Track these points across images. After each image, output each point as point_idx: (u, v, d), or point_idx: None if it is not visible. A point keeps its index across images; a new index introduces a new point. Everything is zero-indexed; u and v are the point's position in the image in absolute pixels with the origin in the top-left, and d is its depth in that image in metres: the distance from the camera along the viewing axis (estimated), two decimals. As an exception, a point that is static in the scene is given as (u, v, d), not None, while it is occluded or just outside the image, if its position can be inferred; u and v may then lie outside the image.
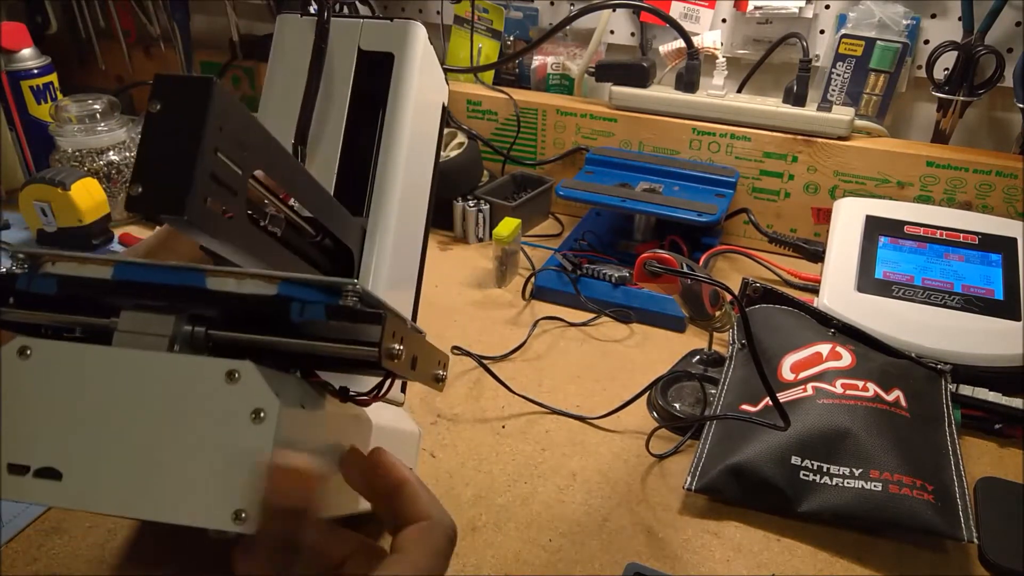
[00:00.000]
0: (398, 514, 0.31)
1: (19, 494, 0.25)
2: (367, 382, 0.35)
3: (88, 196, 0.84)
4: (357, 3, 1.02)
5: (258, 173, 0.28)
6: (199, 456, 0.25)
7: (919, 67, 0.90)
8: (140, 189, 0.24)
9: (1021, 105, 0.81)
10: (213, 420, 0.25)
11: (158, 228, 0.46)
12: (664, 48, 0.94)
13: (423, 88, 0.43)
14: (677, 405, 0.63)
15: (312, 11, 0.42)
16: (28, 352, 0.26)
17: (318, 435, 0.30)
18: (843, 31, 0.90)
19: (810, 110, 0.86)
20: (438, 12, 1.10)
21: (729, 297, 0.58)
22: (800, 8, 0.92)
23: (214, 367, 0.26)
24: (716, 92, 0.90)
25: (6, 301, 0.28)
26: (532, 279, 0.81)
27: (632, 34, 1.02)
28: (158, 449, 0.25)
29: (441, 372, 0.36)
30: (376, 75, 0.42)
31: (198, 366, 0.26)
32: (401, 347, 0.28)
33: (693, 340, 0.74)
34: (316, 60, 0.40)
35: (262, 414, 0.25)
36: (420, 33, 0.42)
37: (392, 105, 0.41)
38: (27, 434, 0.26)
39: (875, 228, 0.76)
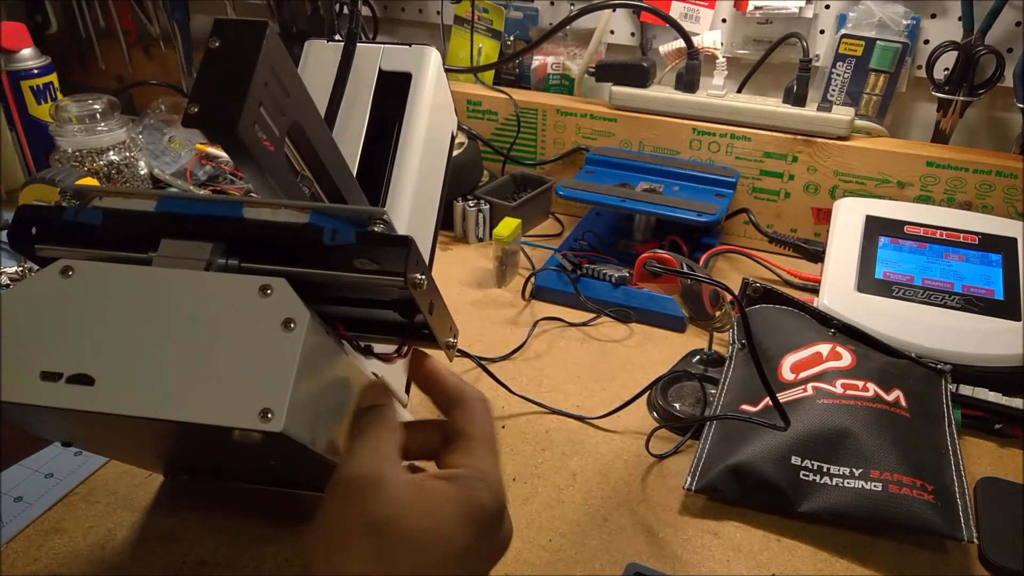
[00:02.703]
0: (439, 401, 0.39)
1: (50, 398, 0.26)
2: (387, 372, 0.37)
3: (88, 196, 0.84)
4: (358, 3, 1.02)
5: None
6: (230, 361, 0.26)
7: (919, 67, 0.90)
8: (197, 109, 0.26)
9: (1021, 105, 0.81)
10: (245, 330, 0.26)
11: None
12: (664, 48, 0.94)
13: (436, 106, 0.46)
14: (677, 405, 0.63)
15: (338, 38, 0.46)
16: (70, 272, 0.27)
17: (339, 371, 0.31)
18: (843, 31, 0.90)
19: (810, 110, 0.86)
20: (438, 12, 1.10)
21: (729, 297, 0.58)
22: (800, 8, 0.92)
23: (248, 283, 0.27)
24: (716, 92, 0.90)
25: (52, 233, 0.29)
26: (532, 279, 0.81)
27: (632, 34, 1.02)
28: (190, 356, 0.26)
29: (452, 339, 0.37)
30: (394, 96, 0.45)
31: (232, 282, 0.27)
32: (424, 277, 0.29)
33: (693, 340, 0.74)
34: (339, 83, 0.44)
35: (292, 324, 0.26)
36: (435, 55, 0.47)
37: (408, 117, 0.45)
38: (63, 345, 0.26)
39: (875, 228, 0.76)
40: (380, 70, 0.46)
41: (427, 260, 0.48)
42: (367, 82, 0.45)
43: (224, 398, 0.26)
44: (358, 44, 0.45)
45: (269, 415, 0.25)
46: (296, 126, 0.30)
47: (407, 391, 0.46)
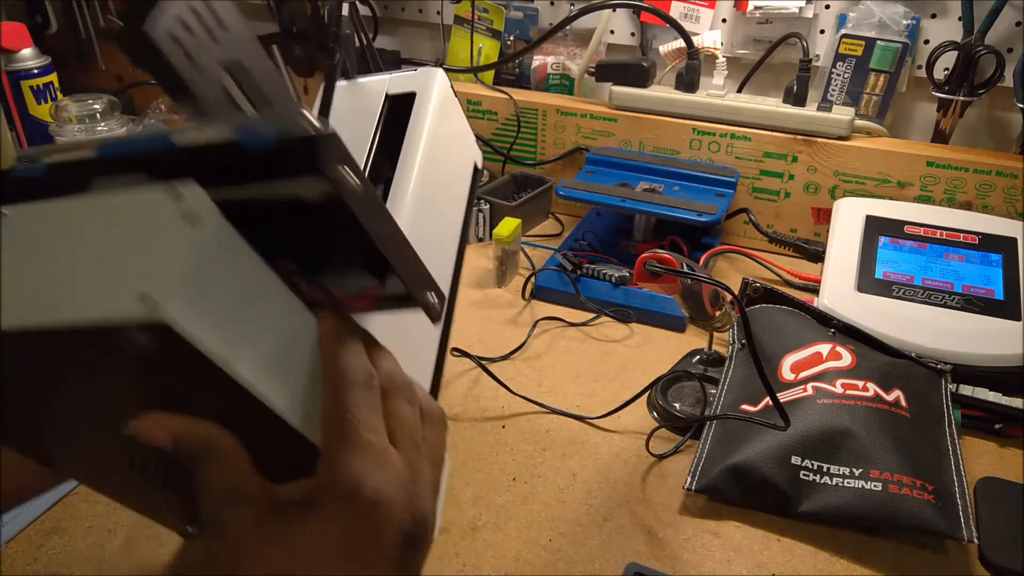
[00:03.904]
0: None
1: None
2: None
3: (88, 196, 0.84)
4: (357, 3, 1.02)
5: None
6: (126, 265, 0.24)
7: (919, 67, 0.90)
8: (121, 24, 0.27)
9: (1021, 105, 0.81)
10: (149, 235, 0.24)
11: None
12: (664, 48, 0.94)
13: (442, 123, 0.45)
14: (677, 405, 0.63)
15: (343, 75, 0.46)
16: (3, 215, 0.27)
17: (277, 301, 0.28)
18: (843, 31, 0.90)
19: (810, 110, 0.85)
20: (438, 12, 1.10)
21: (729, 297, 0.58)
22: (800, 8, 0.92)
23: (157, 190, 0.25)
24: (716, 92, 0.90)
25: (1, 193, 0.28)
26: (532, 279, 0.81)
27: (632, 34, 1.02)
28: (89, 267, 0.24)
29: (433, 298, 0.33)
30: (403, 118, 0.44)
31: (142, 192, 0.25)
32: (358, 182, 0.26)
33: (693, 340, 0.74)
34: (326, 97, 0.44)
35: (196, 219, 0.24)
36: (440, 75, 0.46)
37: (409, 130, 0.43)
38: None
39: (875, 228, 0.76)
40: (388, 95, 0.45)
41: (446, 293, 0.44)
42: (374, 108, 0.45)
43: (105, 296, 0.23)
44: (369, 77, 0.45)
45: (149, 298, 0.22)
46: (238, 65, 0.30)
47: (436, 394, 0.43)
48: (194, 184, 0.25)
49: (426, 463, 0.31)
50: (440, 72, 0.46)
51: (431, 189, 0.44)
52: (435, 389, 0.43)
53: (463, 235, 0.48)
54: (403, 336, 0.36)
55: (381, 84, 0.46)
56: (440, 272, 0.45)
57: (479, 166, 0.50)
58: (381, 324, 0.33)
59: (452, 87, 0.47)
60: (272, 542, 0.27)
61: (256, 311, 0.27)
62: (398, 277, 0.30)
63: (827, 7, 0.92)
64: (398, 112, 0.45)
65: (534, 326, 0.75)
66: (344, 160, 0.26)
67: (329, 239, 0.28)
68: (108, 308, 0.23)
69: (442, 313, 0.33)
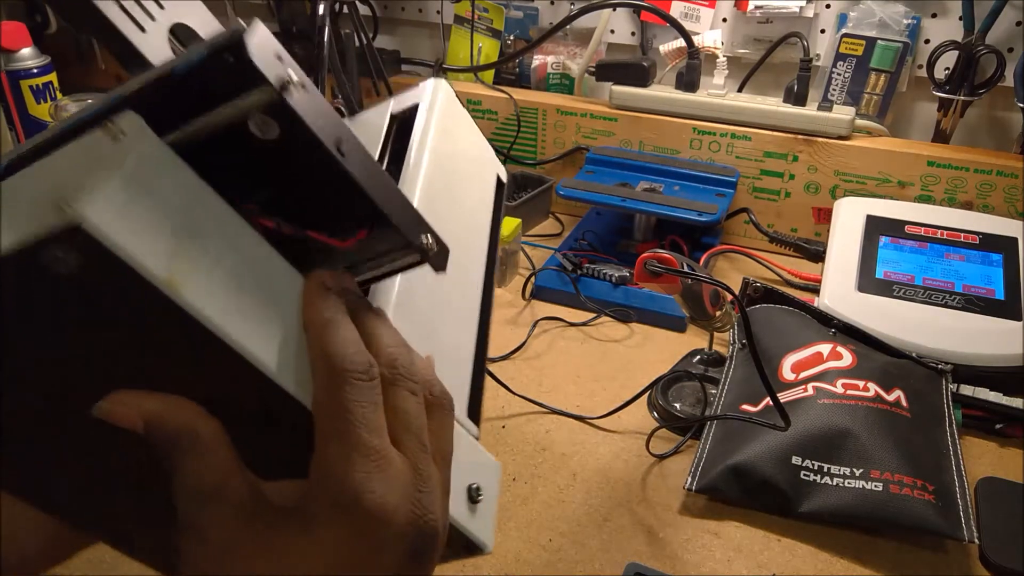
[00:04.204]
0: None
1: None
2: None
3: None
4: (357, 3, 1.02)
5: None
6: (48, 190, 0.22)
7: (920, 66, 0.90)
8: None
9: (1022, 105, 0.81)
10: (77, 165, 0.23)
11: None
12: (664, 47, 0.94)
13: (447, 133, 0.42)
14: (677, 405, 0.63)
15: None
16: None
17: (230, 230, 0.25)
18: (844, 30, 0.90)
19: (811, 110, 0.85)
20: (438, 12, 1.10)
21: (730, 297, 0.58)
22: (801, 7, 0.91)
23: (95, 130, 0.23)
24: (716, 91, 0.90)
25: None
26: (532, 279, 0.81)
27: (632, 33, 1.02)
28: (25, 195, 0.23)
29: (426, 238, 0.28)
30: (407, 134, 0.42)
31: (82, 138, 0.24)
32: (299, 80, 0.24)
33: (693, 340, 0.74)
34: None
35: (121, 134, 0.23)
36: (442, 85, 0.44)
37: (410, 147, 0.41)
38: None
39: (876, 228, 0.76)
40: (392, 115, 0.43)
41: (476, 315, 0.40)
42: (379, 132, 0.42)
43: (21, 216, 0.21)
44: (371, 108, 0.43)
45: (68, 205, 0.20)
46: (183, 27, 0.29)
47: (477, 422, 0.39)
48: (128, 112, 0.23)
49: (433, 464, 0.27)
50: (440, 82, 0.44)
51: (442, 205, 0.40)
52: (475, 413, 0.40)
53: (491, 255, 0.44)
54: (430, 344, 0.33)
55: (383, 107, 0.44)
56: (467, 295, 0.40)
57: (503, 179, 0.47)
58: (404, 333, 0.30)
59: (457, 96, 0.44)
60: (257, 553, 0.24)
61: (207, 239, 0.24)
62: (379, 210, 0.26)
63: (827, 6, 0.92)
64: (406, 131, 0.42)
65: (534, 326, 0.75)
66: (280, 56, 0.24)
67: (291, 168, 0.26)
68: (21, 227, 0.21)
69: (445, 263, 0.30)
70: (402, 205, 0.28)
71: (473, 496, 0.33)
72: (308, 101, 0.24)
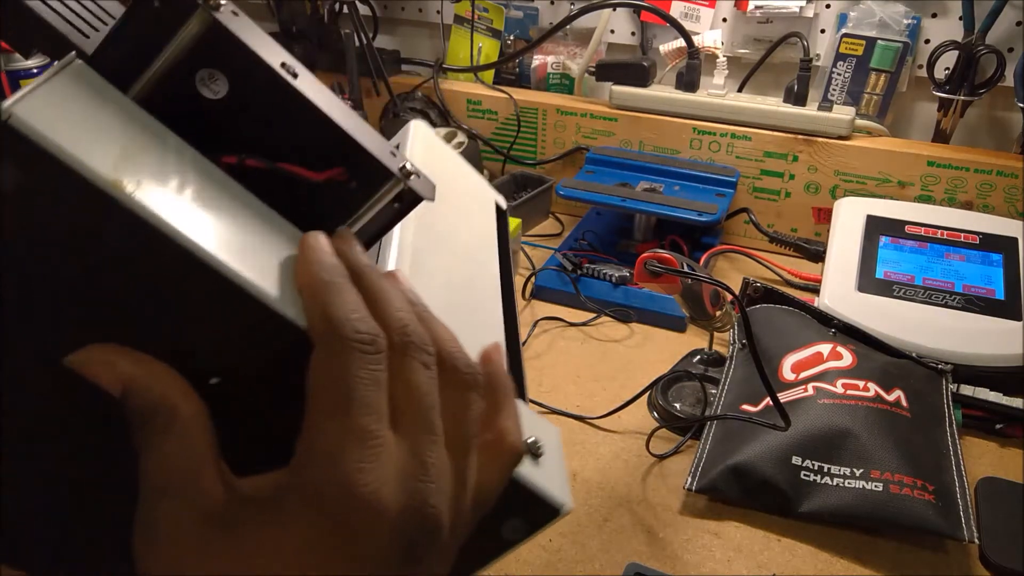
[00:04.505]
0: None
1: None
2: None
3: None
4: (357, 3, 1.02)
5: None
6: None
7: (920, 66, 0.90)
8: None
9: (1022, 104, 0.81)
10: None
11: None
12: (664, 47, 0.94)
13: (432, 173, 0.40)
14: (677, 405, 0.63)
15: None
16: None
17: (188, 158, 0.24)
18: (844, 30, 0.90)
19: (811, 109, 0.85)
20: (438, 11, 1.10)
21: (730, 297, 0.58)
22: (801, 7, 0.91)
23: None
24: (716, 91, 0.90)
25: None
26: (532, 279, 0.81)
27: (632, 33, 1.02)
28: None
29: (403, 163, 0.26)
30: None
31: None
32: (231, 7, 0.24)
33: (694, 340, 0.73)
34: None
35: (63, 68, 0.22)
36: (420, 127, 0.42)
37: None
38: None
39: (876, 228, 0.76)
40: None
41: (504, 353, 0.36)
42: None
43: None
44: None
45: (5, 116, 0.19)
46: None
47: (524, 398, 0.35)
48: (71, 55, 0.23)
49: (442, 449, 0.24)
50: (418, 124, 0.42)
51: (444, 246, 0.38)
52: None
53: (508, 287, 0.41)
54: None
55: None
56: (484, 334, 0.37)
57: (503, 206, 0.45)
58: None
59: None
60: (221, 554, 0.21)
61: (163, 159, 0.22)
62: (344, 133, 0.25)
63: (827, 6, 0.92)
64: None
65: (534, 326, 0.75)
66: None
67: (249, 115, 0.24)
68: None
69: (432, 191, 0.28)
70: (368, 132, 0.26)
71: (533, 450, 0.29)
72: (243, 24, 0.24)
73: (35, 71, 0.95)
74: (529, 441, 0.29)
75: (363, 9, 1.03)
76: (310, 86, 0.25)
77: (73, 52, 0.23)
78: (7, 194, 0.20)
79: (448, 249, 0.38)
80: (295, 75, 0.25)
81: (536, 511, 0.28)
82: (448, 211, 0.40)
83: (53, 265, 0.21)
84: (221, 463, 0.23)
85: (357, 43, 0.97)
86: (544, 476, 0.28)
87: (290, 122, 0.25)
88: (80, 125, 0.21)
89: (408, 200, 0.27)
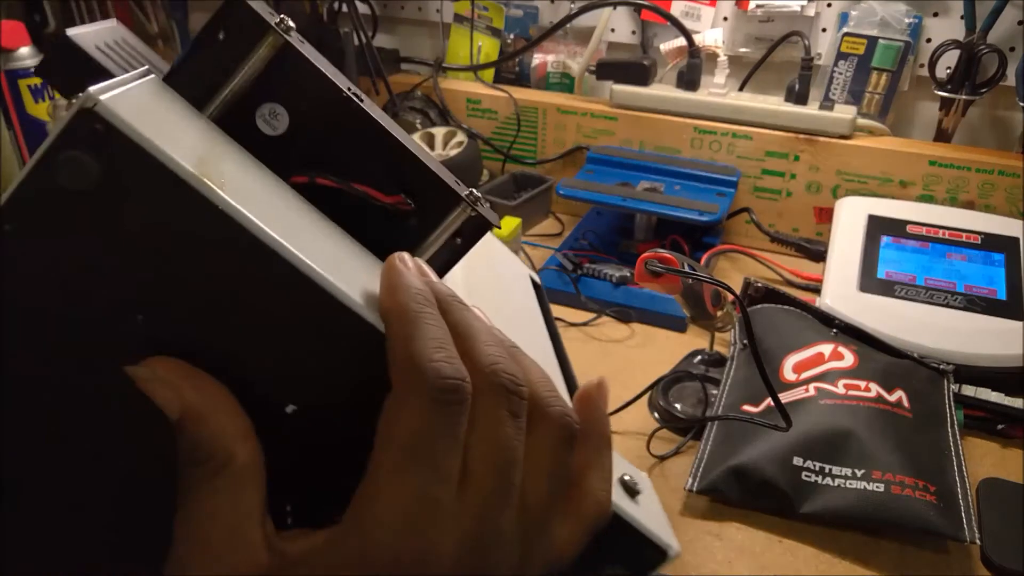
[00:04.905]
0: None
1: None
2: None
3: (87, 195, 0.83)
4: (356, 1, 1.02)
5: None
6: None
7: (921, 66, 0.89)
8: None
9: (1023, 104, 0.80)
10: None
11: None
12: (665, 46, 0.94)
13: (467, 265, 0.40)
14: (678, 405, 0.63)
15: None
16: None
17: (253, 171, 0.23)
18: (845, 29, 0.89)
19: (812, 109, 0.85)
20: (438, 10, 1.10)
21: (731, 297, 0.57)
22: (802, 6, 0.91)
23: None
24: (717, 91, 0.89)
25: None
26: (532, 278, 0.80)
27: (633, 32, 1.02)
28: None
29: (477, 197, 0.26)
30: None
31: None
32: (298, 36, 0.24)
33: (694, 340, 0.73)
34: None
35: (139, 79, 0.22)
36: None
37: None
38: None
39: (877, 227, 0.76)
40: None
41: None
42: None
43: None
44: None
45: (92, 104, 0.19)
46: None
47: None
48: (145, 70, 0.23)
49: (514, 508, 0.21)
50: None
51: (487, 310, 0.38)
52: None
53: (563, 359, 0.41)
54: None
55: None
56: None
57: (537, 281, 0.44)
58: None
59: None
60: None
61: (241, 168, 0.22)
62: (412, 155, 0.25)
63: (829, 5, 0.92)
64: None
65: (534, 326, 0.75)
66: (272, 12, 0.24)
67: (314, 139, 0.24)
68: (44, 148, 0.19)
69: (497, 218, 0.27)
70: (433, 159, 0.26)
71: (630, 488, 0.27)
72: (309, 50, 0.24)
73: (33, 70, 0.95)
74: (625, 479, 0.28)
75: (362, 8, 1.03)
76: (375, 111, 0.25)
77: (146, 67, 0.23)
78: (86, 192, 0.19)
79: (501, 319, 0.39)
80: (360, 99, 0.25)
81: (642, 555, 0.27)
82: (492, 282, 0.39)
83: (127, 265, 0.20)
84: (268, 521, 0.21)
85: (356, 42, 0.97)
86: (645, 516, 0.27)
87: (358, 146, 0.25)
88: (160, 126, 0.20)
89: (474, 229, 0.27)
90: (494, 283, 0.39)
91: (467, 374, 0.21)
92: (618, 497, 0.26)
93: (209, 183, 0.19)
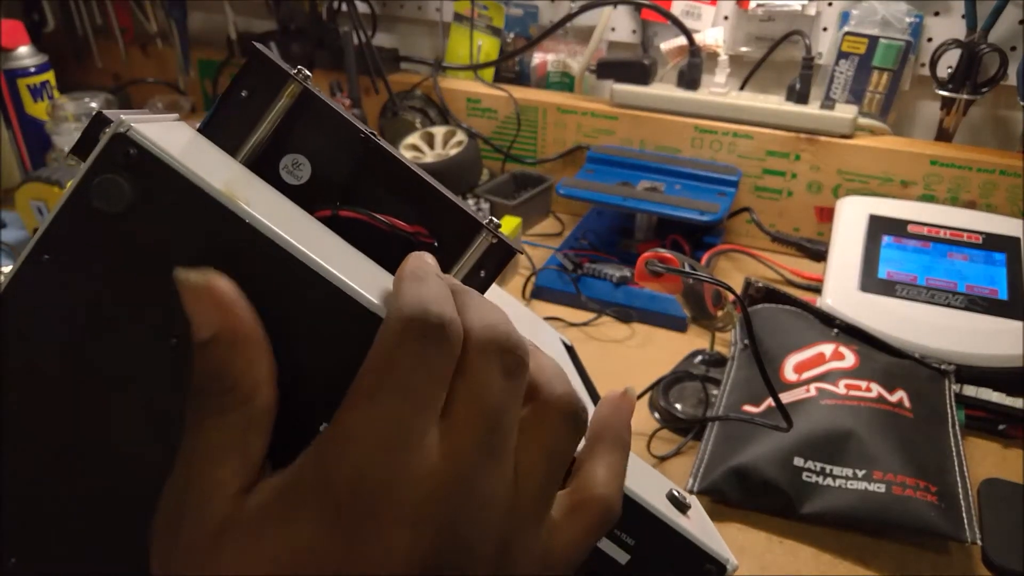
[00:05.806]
0: None
1: None
2: None
3: (86, 195, 0.83)
4: (355, 1, 1.02)
5: None
6: None
7: (922, 65, 0.89)
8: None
9: (1025, 103, 0.80)
10: None
11: None
12: (666, 46, 0.93)
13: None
14: (679, 406, 0.62)
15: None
16: None
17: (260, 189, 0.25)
18: (846, 28, 0.89)
19: (813, 108, 0.85)
20: (437, 9, 1.10)
21: (731, 297, 0.57)
22: (803, 5, 0.91)
23: None
24: (718, 90, 0.89)
25: None
26: (532, 279, 0.80)
27: (633, 31, 1.02)
28: None
29: (494, 225, 0.28)
30: None
31: None
32: (308, 74, 0.26)
33: (695, 340, 0.73)
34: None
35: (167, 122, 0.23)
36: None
37: None
38: None
39: (878, 227, 0.76)
40: None
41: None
42: None
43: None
44: None
45: (125, 128, 0.20)
46: None
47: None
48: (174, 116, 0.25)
49: (502, 477, 0.19)
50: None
51: None
52: None
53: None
54: None
55: None
56: None
57: (568, 342, 0.46)
58: None
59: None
60: (230, 559, 0.18)
61: (267, 199, 0.23)
62: (432, 188, 0.26)
63: (830, 4, 0.92)
64: None
65: (534, 326, 0.75)
66: (282, 64, 0.26)
67: (335, 181, 0.26)
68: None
69: (519, 244, 0.30)
70: (450, 191, 0.27)
71: (679, 503, 0.27)
72: (324, 95, 0.26)
73: (32, 70, 0.95)
74: (675, 494, 0.27)
75: (362, 7, 1.03)
76: (391, 148, 0.27)
77: (176, 115, 0.25)
78: (117, 214, 0.20)
79: None
80: (376, 137, 0.27)
81: (700, 569, 0.26)
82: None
83: (158, 285, 0.20)
84: (267, 464, 0.20)
85: (356, 41, 0.97)
86: (700, 530, 0.26)
87: (377, 183, 0.26)
88: (189, 153, 0.21)
89: (496, 258, 0.27)
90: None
91: (459, 322, 0.20)
92: (671, 512, 0.26)
93: (238, 201, 0.20)
